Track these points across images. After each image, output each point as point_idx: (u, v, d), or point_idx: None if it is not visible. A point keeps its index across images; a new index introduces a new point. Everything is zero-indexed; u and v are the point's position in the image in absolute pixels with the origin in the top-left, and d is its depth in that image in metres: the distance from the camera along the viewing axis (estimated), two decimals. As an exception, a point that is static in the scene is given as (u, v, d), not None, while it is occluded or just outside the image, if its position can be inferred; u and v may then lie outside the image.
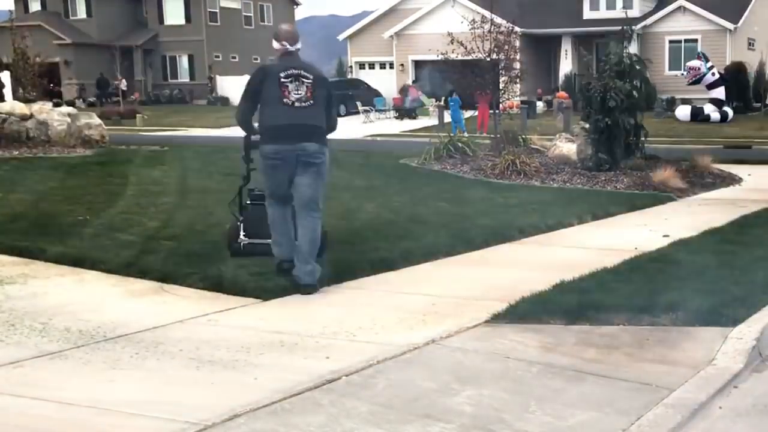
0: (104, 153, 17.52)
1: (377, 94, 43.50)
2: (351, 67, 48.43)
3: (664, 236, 9.89)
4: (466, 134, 30.35)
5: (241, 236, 7.97)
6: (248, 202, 8.19)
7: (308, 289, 7.02)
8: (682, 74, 36.81)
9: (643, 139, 16.53)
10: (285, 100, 7.11)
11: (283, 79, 7.15)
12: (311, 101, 7.15)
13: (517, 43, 21.53)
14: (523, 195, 13.40)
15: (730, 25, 39.60)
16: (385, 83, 44.66)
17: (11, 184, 12.59)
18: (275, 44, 7.57)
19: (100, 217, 10.09)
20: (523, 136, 19.25)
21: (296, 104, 7.11)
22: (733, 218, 11.32)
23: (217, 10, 55.06)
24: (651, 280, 7.33)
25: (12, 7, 54.40)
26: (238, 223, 8.07)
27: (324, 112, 7.29)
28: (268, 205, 7.39)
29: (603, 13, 41.27)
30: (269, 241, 7.51)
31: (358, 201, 12.09)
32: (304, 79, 7.18)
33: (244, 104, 7.49)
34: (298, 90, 7.13)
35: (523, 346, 5.69)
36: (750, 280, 7.36)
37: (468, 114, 30.63)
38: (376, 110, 40.47)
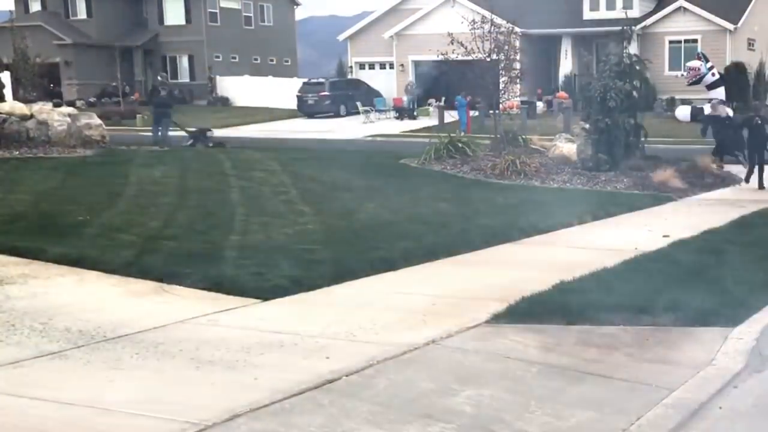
0: (104, 153, 17.52)
1: (377, 94, 43.48)
2: (351, 67, 48.39)
3: (664, 236, 9.89)
4: (464, 135, 30.69)
5: None
6: None
7: None
8: (682, 74, 36.79)
9: (643, 139, 16.54)
10: None
11: None
12: None
13: (517, 43, 21.51)
14: (523, 195, 13.40)
15: (730, 26, 39.57)
16: (385, 83, 44.63)
17: (11, 184, 12.58)
18: None
19: (100, 217, 10.09)
20: (523, 137, 19.24)
21: None
22: (733, 218, 11.31)
23: (217, 10, 54.99)
24: (651, 281, 7.33)
25: (12, 7, 54.36)
26: None
27: None
28: None
29: (603, 14, 41.22)
30: None
31: (358, 201, 12.09)
32: None
33: None
34: None
35: (523, 346, 5.69)
36: (750, 280, 7.36)
37: (469, 114, 30.60)
38: (376, 110, 40.46)
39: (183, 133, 22.70)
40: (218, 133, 24.14)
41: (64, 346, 5.54)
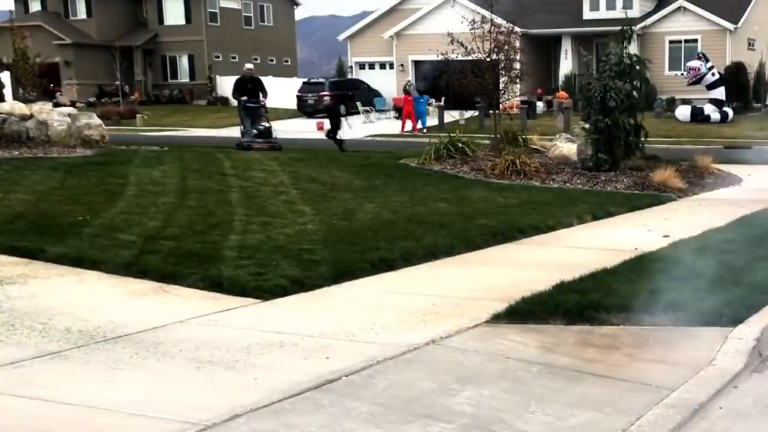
0: (104, 153, 17.51)
1: (377, 94, 43.50)
2: (351, 67, 48.41)
3: (664, 236, 9.89)
4: (425, 129, 32.16)
5: None
6: None
7: None
8: (682, 74, 36.80)
9: (643, 139, 16.53)
10: None
11: None
12: None
13: (517, 43, 21.53)
14: (523, 195, 13.40)
15: (730, 25, 39.58)
16: (385, 83, 44.65)
17: (11, 184, 12.58)
18: None
19: (100, 217, 10.08)
20: (523, 137, 19.24)
21: None
22: (733, 218, 11.31)
23: (217, 10, 55.01)
24: (651, 281, 7.33)
25: (12, 7, 54.37)
26: None
27: None
28: None
29: (603, 14, 41.24)
30: None
31: (358, 201, 12.09)
32: None
33: None
34: None
35: (523, 346, 5.69)
36: (750, 280, 7.36)
37: (468, 114, 30.64)
38: (376, 110, 40.49)
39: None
40: (218, 133, 24.05)
41: (64, 346, 5.54)
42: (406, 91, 36.13)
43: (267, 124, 21.29)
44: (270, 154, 19.15)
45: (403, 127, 35.14)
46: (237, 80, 21.45)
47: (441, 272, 8.12)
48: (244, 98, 20.81)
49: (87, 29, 53.52)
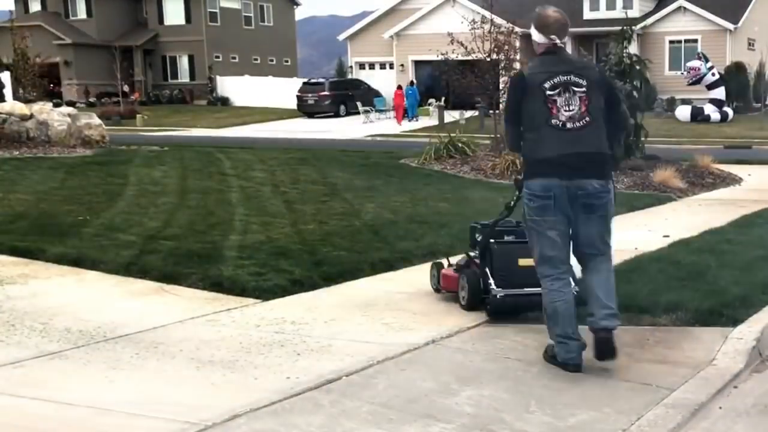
0: (104, 153, 17.53)
1: (377, 94, 43.53)
2: (351, 67, 48.45)
3: (664, 236, 9.89)
4: (418, 119, 33.19)
5: (493, 287, 6.17)
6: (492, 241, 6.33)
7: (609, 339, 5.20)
8: (682, 74, 36.81)
9: (643, 139, 16.54)
10: (553, 120, 5.15)
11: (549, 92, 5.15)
12: (587, 118, 5.16)
13: (517, 43, 21.53)
14: (523, 195, 13.38)
15: (730, 26, 39.60)
16: (385, 83, 44.67)
17: (11, 184, 12.59)
18: (538, 37, 5.42)
19: (100, 217, 10.09)
20: (524, 137, 19.19)
21: (568, 125, 5.15)
22: (733, 218, 11.32)
23: (217, 10, 55.04)
24: (651, 280, 7.33)
25: (12, 7, 54.41)
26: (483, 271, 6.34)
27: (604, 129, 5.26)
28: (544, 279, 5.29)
29: (603, 13, 41.28)
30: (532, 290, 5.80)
31: (358, 201, 12.09)
32: (576, 88, 5.17)
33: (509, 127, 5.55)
34: (569, 105, 5.14)
35: (522, 347, 5.69)
36: (750, 280, 7.36)
37: (468, 114, 30.66)
38: (376, 110, 40.51)
39: None
40: (218, 133, 24.07)
41: (64, 346, 5.55)
42: (400, 87, 37.58)
43: None
44: (269, 155, 19.16)
45: (399, 119, 35.93)
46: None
47: (441, 272, 8.11)
48: None
49: (87, 29, 53.54)
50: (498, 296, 6.13)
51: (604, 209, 5.19)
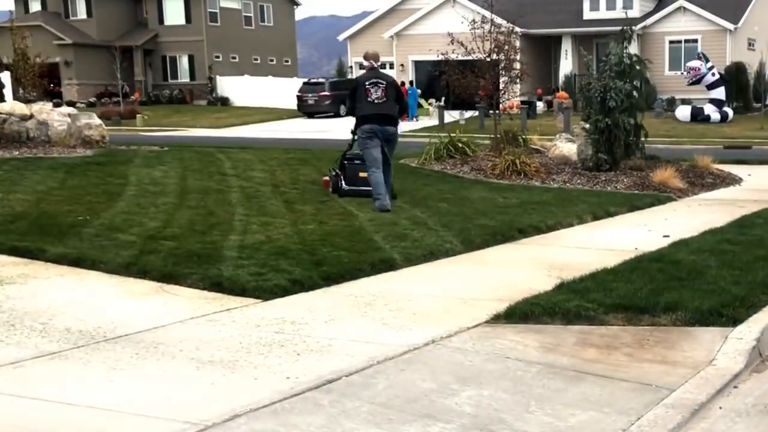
0: (104, 153, 17.52)
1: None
2: (351, 67, 48.43)
3: (664, 236, 9.89)
4: (417, 118, 33.81)
5: (343, 185, 12.51)
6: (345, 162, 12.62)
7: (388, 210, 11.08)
8: (682, 74, 36.82)
9: (643, 139, 16.53)
10: (368, 98, 11.48)
11: (367, 86, 11.56)
12: (384, 99, 11.47)
13: (517, 43, 21.53)
14: (524, 195, 13.40)
15: (730, 25, 39.60)
16: (385, 83, 44.74)
17: (11, 184, 12.59)
18: (365, 63, 11.95)
19: (100, 217, 10.09)
20: (523, 137, 19.24)
21: (376, 101, 11.45)
22: (733, 218, 11.32)
23: (217, 10, 55.04)
24: (651, 281, 7.34)
25: (12, 7, 54.44)
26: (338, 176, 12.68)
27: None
28: (371, 172, 11.32)
29: (603, 13, 41.28)
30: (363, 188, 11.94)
31: (358, 201, 12.08)
32: (380, 84, 11.56)
33: (350, 102, 12.00)
34: (377, 92, 11.47)
35: (522, 346, 5.69)
36: (750, 280, 7.36)
37: (468, 114, 30.66)
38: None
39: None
40: (218, 133, 24.06)
41: (64, 346, 5.55)
42: (402, 83, 38.11)
43: None
44: (269, 155, 19.15)
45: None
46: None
47: (441, 272, 8.12)
48: None
49: (87, 29, 53.54)
50: (344, 189, 12.51)
51: (395, 141, 11.68)
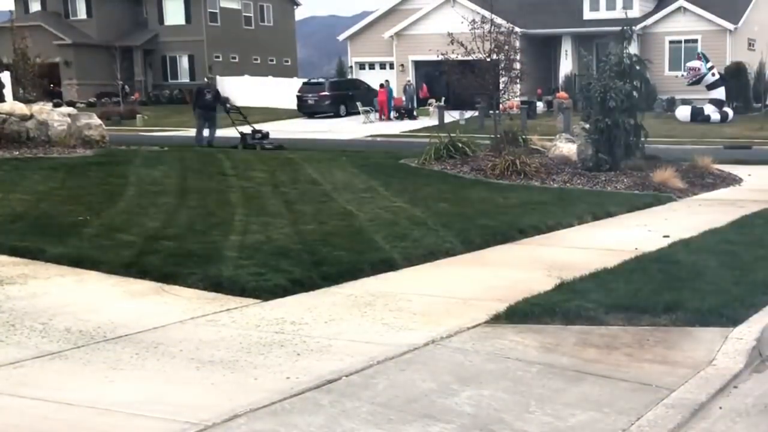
0: (104, 153, 17.52)
1: (377, 94, 43.50)
2: (351, 67, 48.40)
3: (664, 236, 9.89)
4: (393, 115, 38.84)
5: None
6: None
7: None
8: (682, 74, 36.79)
9: (643, 139, 16.53)
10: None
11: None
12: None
13: (517, 44, 21.51)
14: (523, 195, 13.40)
15: (730, 26, 39.57)
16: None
17: (11, 184, 12.58)
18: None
19: (100, 217, 10.09)
20: (523, 137, 19.23)
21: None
22: (733, 218, 11.31)
23: (217, 10, 54.99)
24: (651, 281, 7.34)
25: (12, 7, 54.36)
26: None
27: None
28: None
29: (603, 14, 41.25)
30: None
31: (358, 201, 12.09)
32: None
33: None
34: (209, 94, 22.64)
35: (522, 347, 5.69)
36: (750, 280, 7.36)
37: (468, 114, 30.64)
38: (376, 110, 40.51)
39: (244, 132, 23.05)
40: (217, 133, 24.08)
41: (64, 347, 5.55)
42: (382, 85, 41.07)
43: (258, 129, 23.82)
44: (270, 154, 19.17)
45: (380, 114, 40.30)
46: (196, 89, 25.61)
47: (441, 272, 8.12)
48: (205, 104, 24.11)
49: (87, 29, 53.49)
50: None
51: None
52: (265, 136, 23.21)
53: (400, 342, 5.71)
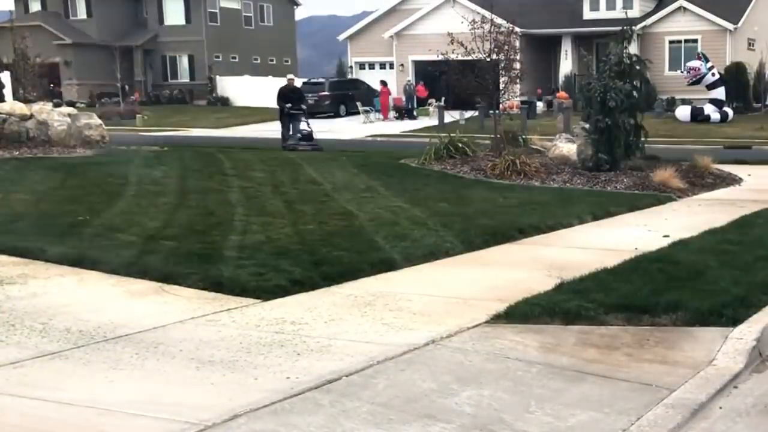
0: (104, 153, 17.53)
1: (377, 94, 43.50)
2: (351, 67, 48.40)
3: (664, 236, 9.89)
4: (393, 115, 39.54)
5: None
6: None
7: None
8: (682, 74, 36.79)
9: (643, 139, 16.52)
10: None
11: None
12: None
13: (517, 44, 21.50)
14: (523, 195, 13.40)
15: (730, 26, 39.57)
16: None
17: (11, 184, 12.59)
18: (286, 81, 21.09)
19: (100, 217, 10.09)
20: (523, 137, 19.23)
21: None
22: (733, 218, 11.31)
23: (217, 10, 54.98)
24: (651, 281, 7.33)
25: (12, 7, 54.35)
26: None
27: None
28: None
29: (603, 14, 41.24)
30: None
31: (358, 201, 12.09)
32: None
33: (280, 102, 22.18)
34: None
35: (522, 347, 5.69)
36: (750, 280, 7.36)
37: (468, 114, 30.63)
38: (376, 110, 40.50)
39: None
40: (218, 133, 24.08)
41: (64, 346, 5.55)
42: (385, 84, 41.35)
43: (309, 129, 23.75)
44: (269, 155, 19.17)
45: (385, 114, 40.13)
46: (281, 89, 25.17)
47: (441, 272, 8.12)
48: (288, 105, 23.85)
49: (87, 29, 53.48)
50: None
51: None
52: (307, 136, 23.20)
53: (400, 342, 5.71)
